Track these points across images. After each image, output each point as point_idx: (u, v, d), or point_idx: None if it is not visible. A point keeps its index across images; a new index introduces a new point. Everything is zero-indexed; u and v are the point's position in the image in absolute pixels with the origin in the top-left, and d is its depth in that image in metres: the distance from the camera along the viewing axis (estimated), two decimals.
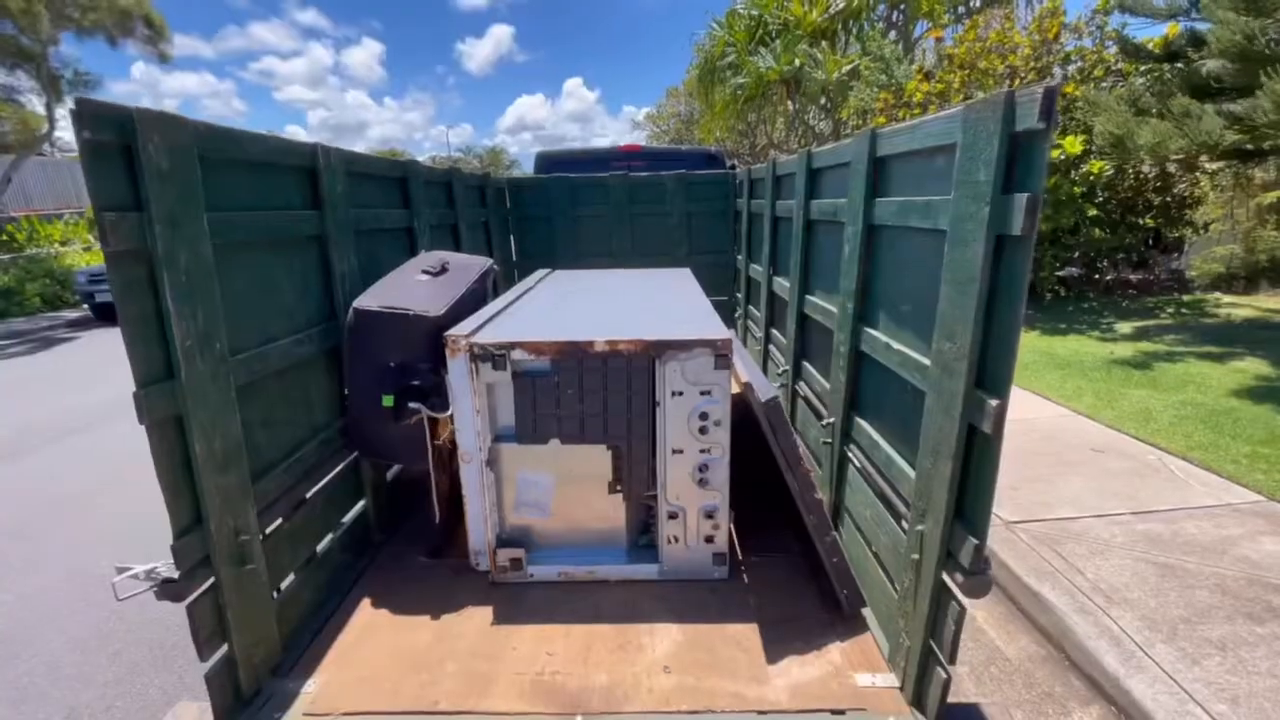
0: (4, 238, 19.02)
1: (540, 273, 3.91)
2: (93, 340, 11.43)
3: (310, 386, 2.25)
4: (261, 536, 1.85)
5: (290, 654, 1.95)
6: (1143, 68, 8.39)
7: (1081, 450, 4.51)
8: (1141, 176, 9.45)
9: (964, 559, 1.49)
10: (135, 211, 1.42)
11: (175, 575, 1.57)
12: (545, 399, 2.18)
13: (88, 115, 1.30)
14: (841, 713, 1.71)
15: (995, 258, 1.37)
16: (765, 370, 3.91)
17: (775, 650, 1.94)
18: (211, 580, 1.66)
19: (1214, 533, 3.39)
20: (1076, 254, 9.51)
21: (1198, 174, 9.31)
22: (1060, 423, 5.06)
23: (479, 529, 2.31)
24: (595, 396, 2.17)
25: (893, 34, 11.34)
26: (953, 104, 8.90)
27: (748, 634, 2.02)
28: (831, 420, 2.48)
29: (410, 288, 2.36)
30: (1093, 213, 8.52)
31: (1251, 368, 6.10)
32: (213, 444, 1.63)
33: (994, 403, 1.36)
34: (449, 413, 2.20)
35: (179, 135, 1.52)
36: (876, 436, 2.10)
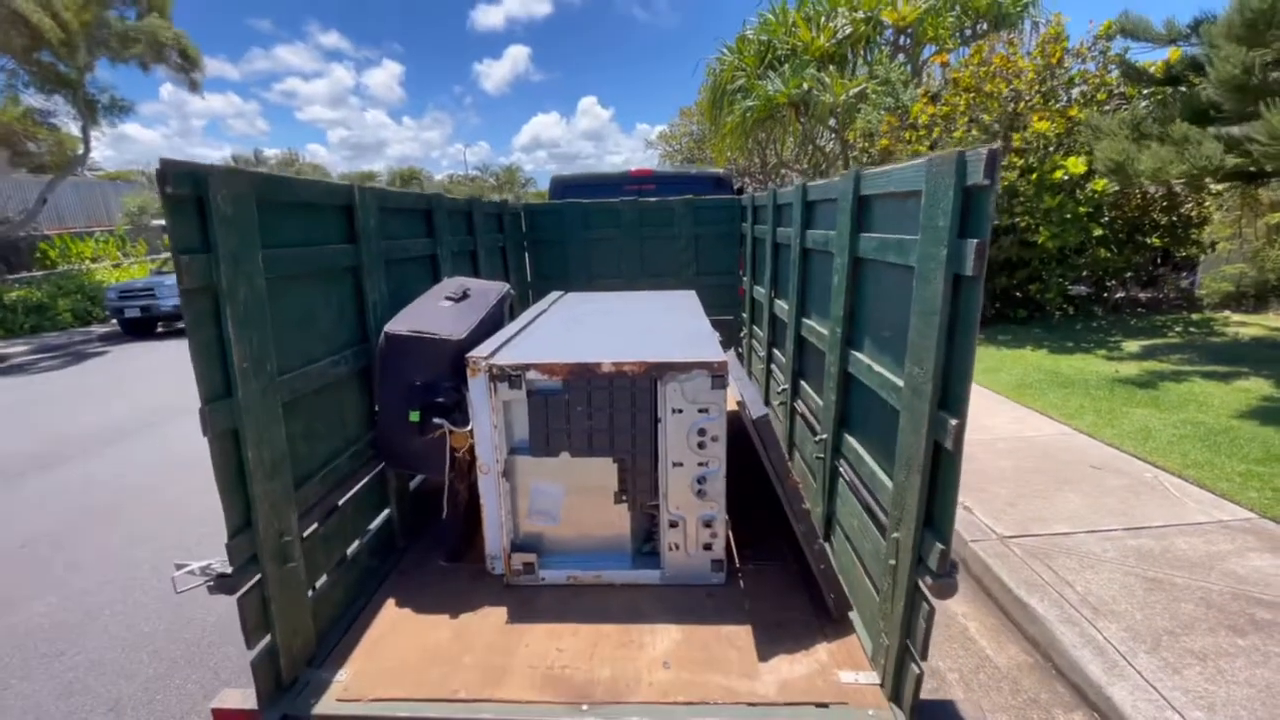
0: (37, 255, 19.76)
1: (553, 295, 4.13)
2: (121, 354, 11.86)
3: (344, 403, 2.46)
4: (301, 538, 2.06)
5: (323, 647, 2.14)
6: (1145, 91, 8.53)
7: (1080, 467, 4.62)
8: (1148, 196, 9.55)
9: (932, 563, 1.65)
10: (204, 253, 1.65)
11: (229, 570, 1.77)
12: (557, 415, 2.38)
13: (170, 173, 1.53)
14: (825, 706, 1.87)
15: (954, 294, 1.55)
16: (767, 388, 4.08)
17: (766, 649, 2.10)
18: (258, 576, 1.86)
19: (1204, 548, 3.49)
20: (1085, 273, 9.60)
21: (1204, 194, 9.39)
22: (1060, 440, 5.16)
23: (495, 535, 2.50)
24: (602, 413, 2.37)
25: (900, 57, 11.59)
26: (959, 125, 9.09)
27: (742, 634, 2.18)
28: (824, 436, 2.65)
29: (435, 313, 2.58)
30: (1099, 232, 8.63)
31: (1255, 387, 6.16)
32: (262, 454, 1.84)
33: (954, 422, 1.53)
34: (469, 427, 2.40)
35: (241, 185, 1.75)
36: (862, 451, 2.26)
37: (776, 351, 3.96)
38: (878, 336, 2.14)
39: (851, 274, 2.34)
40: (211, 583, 1.78)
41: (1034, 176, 8.46)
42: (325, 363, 2.28)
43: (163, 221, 24.81)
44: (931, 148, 9.22)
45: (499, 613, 2.33)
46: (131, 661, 3.11)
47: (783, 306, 3.65)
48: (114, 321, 14.31)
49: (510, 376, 2.32)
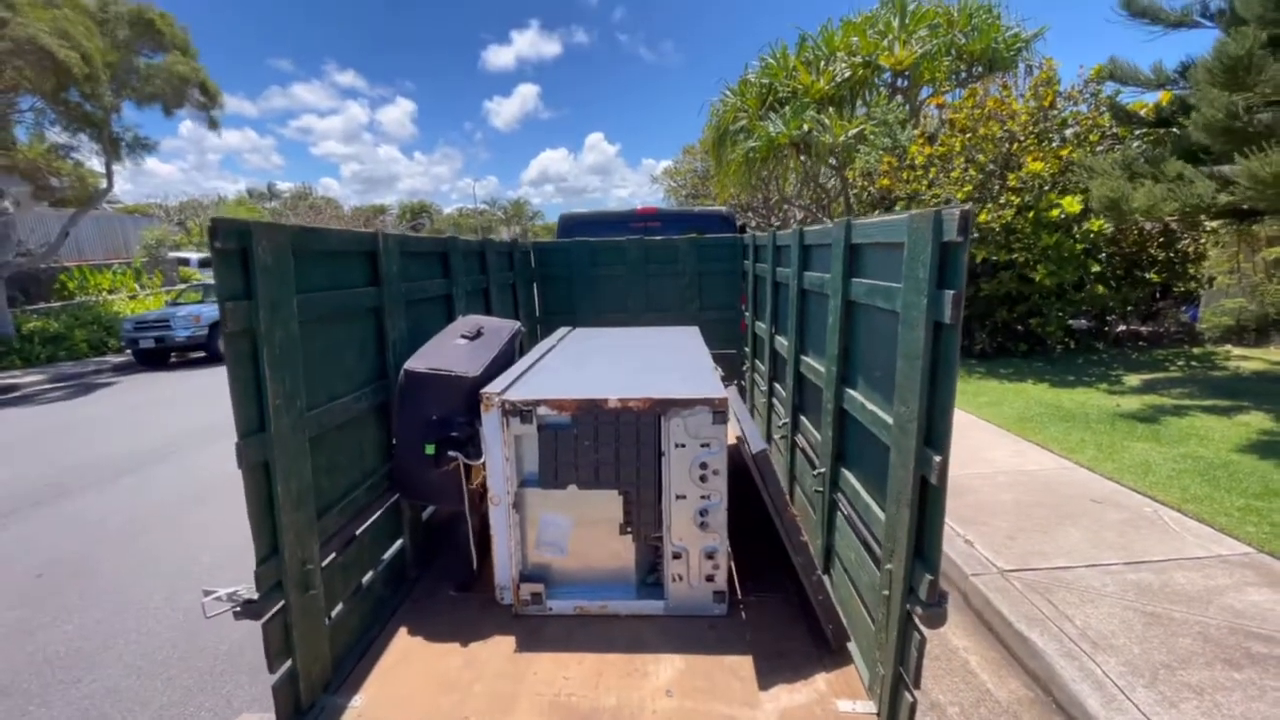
0: (56, 286, 20.22)
1: (561, 331, 4.28)
2: (132, 385, 12.04)
3: (363, 437, 2.59)
4: (321, 567, 2.16)
5: (339, 673, 2.23)
6: (1137, 132, 8.78)
7: (1080, 501, 4.67)
8: (1145, 232, 9.72)
9: (922, 593, 1.74)
10: (246, 300, 1.80)
11: (255, 597, 1.87)
12: (565, 449, 2.49)
13: (221, 230, 1.69)
14: None
15: (935, 339, 1.67)
16: (769, 422, 4.19)
17: (767, 679, 2.17)
18: (282, 603, 1.96)
19: (1202, 583, 3.52)
20: (1084, 307, 9.73)
21: (1200, 230, 9.56)
22: (1061, 474, 5.21)
23: (505, 566, 2.59)
24: (608, 447, 2.48)
25: (898, 98, 11.94)
26: (955, 165, 9.34)
27: (743, 664, 2.25)
28: (822, 470, 2.75)
29: (452, 351, 2.72)
30: (1096, 269, 8.78)
31: (1255, 422, 6.20)
32: (290, 485, 1.96)
33: (938, 458, 1.64)
34: (482, 460, 2.52)
35: (279, 237, 1.91)
36: (858, 485, 2.36)
37: (778, 386, 4.08)
38: (869, 375, 2.26)
39: (844, 315, 2.47)
40: (239, 609, 1.88)
41: (1031, 215, 8.66)
42: (348, 399, 2.41)
43: (179, 254, 25.42)
44: (929, 187, 9.46)
45: (508, 642, 2.41)
46: (147, 689, 3.17)
47: (782, 343, 3.79)
48: (129, 352, 14.57)
49: (522, 412, 2.44)
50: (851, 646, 2.31)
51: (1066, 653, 3.03)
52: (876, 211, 10.54)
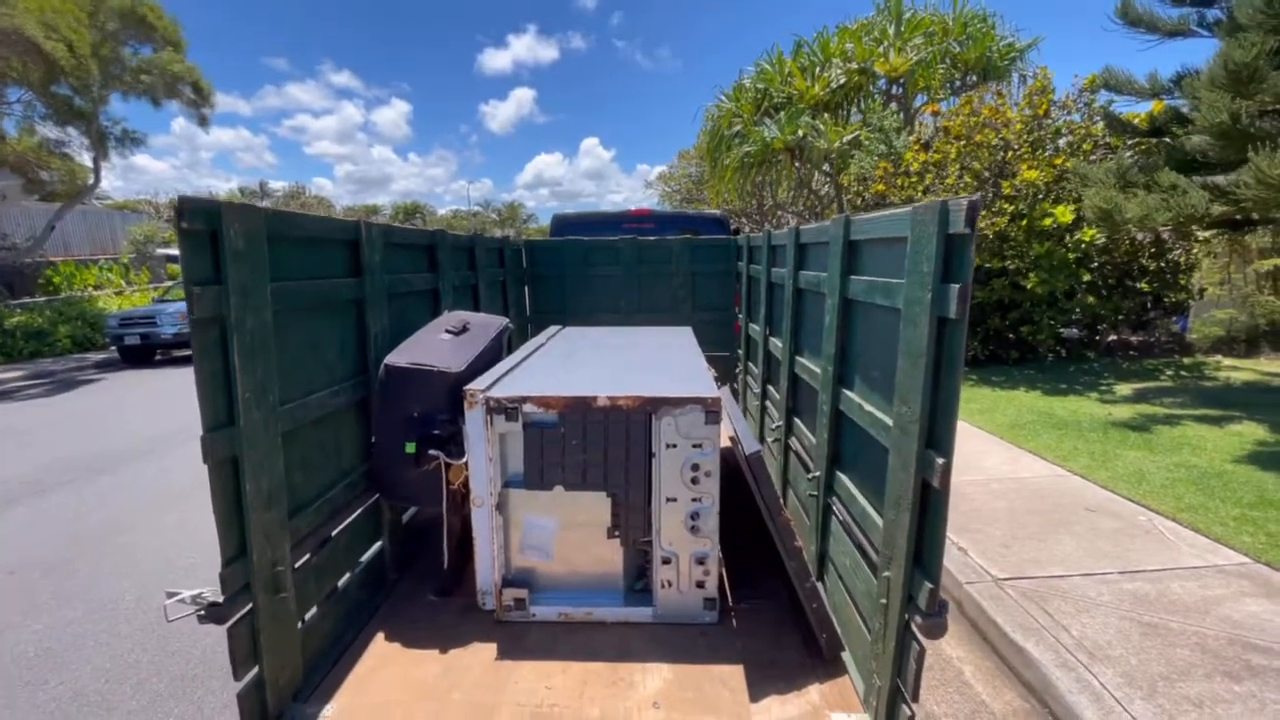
0: (42, 281, 19.93)
1: (551, 330, 4.20)
2: (114, 382, 11.83)
3: (341, 434, 2.49)
4: (293, 569, 2.06)
5: (310, 680, 2.12)
6: (1130, 141, 8.81)
7: (1074, 510, 4.62)
8: (1137, 243, 9.76)
9: (921, 602, 1.66)
10: (216, 285, 1.70)
11: (220, 600, 1.77)
12: (552, 448, 2.40)
13: (187, 209, 1.59)
14: None
15: (938, 335, 1.60)
16: (762, 424, 4.12)
17: (758, 690, 2.08)
18: (250, 606, 1.86)
19: (1199, 593, 3.47)
20: (1075, 316, 9.74)
21: (1192, 241, 9.60)
22: (1055, 483, 5.17)
23: (487, 570, 2.49)
24: (596, 447, 2.39)
25: (893, 105, 11.97)
26: (950, 172, 9.34)
27: (733, 674, 2.16)
28: (817, 474, 2.67)
29: (434, 346, 2.63)
30: (1087, 278, 8.79)
31: (1248, 431, 6.19)
32: (260, 483, 1.87)
33: (940, 461, 1.56)
34: (464, 459, 2.43)
35: (253, 220, 1.82)
36: (854, 489, 2.29)
37: (771, 388, 4.00)
38: (868, 375, 2.18)
39: (842, 314, 2.40)
40: (202, 612, 1.78)
41: (1024, 223, 8.66)
42: (325, 393, 2.31)
43: (167, 251, 25.14)
44: (924, 193, 9.46)
45: (489, 649, 2.31)
46: (114, 693, 3.05)
47: (777, 344, 3.72)
48: (113, 348, 14.34)
49: (507, 409, 2.35)
50: (846, 657, 2.23)
51: (1063, 663, 2.96)
52: None
